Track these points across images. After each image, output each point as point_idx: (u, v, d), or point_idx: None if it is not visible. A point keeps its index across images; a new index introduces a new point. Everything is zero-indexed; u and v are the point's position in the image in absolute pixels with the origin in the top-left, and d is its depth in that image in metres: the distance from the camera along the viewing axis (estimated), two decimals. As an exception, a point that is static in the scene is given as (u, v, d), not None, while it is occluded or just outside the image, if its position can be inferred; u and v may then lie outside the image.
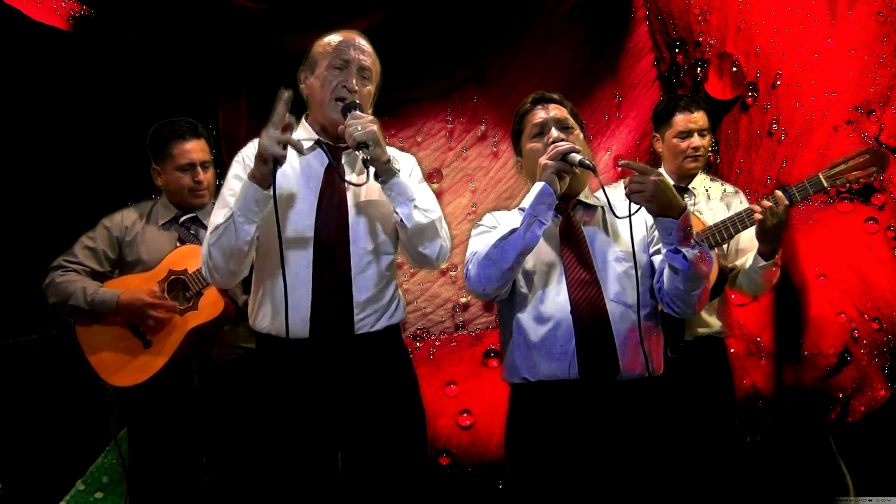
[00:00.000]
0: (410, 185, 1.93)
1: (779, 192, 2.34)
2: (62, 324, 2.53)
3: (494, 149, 3.70)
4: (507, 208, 2.07)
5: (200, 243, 2.47)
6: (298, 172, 1.97)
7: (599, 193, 2.00)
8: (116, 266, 2.56)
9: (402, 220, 1.89)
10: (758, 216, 2.33)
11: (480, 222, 2.05)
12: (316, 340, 1.91)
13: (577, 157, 1.84)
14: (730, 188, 2.73)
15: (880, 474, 3.03)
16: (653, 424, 1.88)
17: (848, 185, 2.44)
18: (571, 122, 1.98)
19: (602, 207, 1.98)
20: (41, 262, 2.53)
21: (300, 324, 1.90)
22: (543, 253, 1.91)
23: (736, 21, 3.33)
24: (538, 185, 1.85)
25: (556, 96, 2.03)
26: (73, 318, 2.47)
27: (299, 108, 2.06)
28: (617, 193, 1.99)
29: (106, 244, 2.53)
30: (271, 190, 1.84)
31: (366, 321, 1.93)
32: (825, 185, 2.39)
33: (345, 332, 1.91)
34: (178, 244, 2.51)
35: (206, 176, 2.53)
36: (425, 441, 2.06)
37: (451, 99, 3.74)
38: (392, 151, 2.04)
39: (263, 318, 1.94)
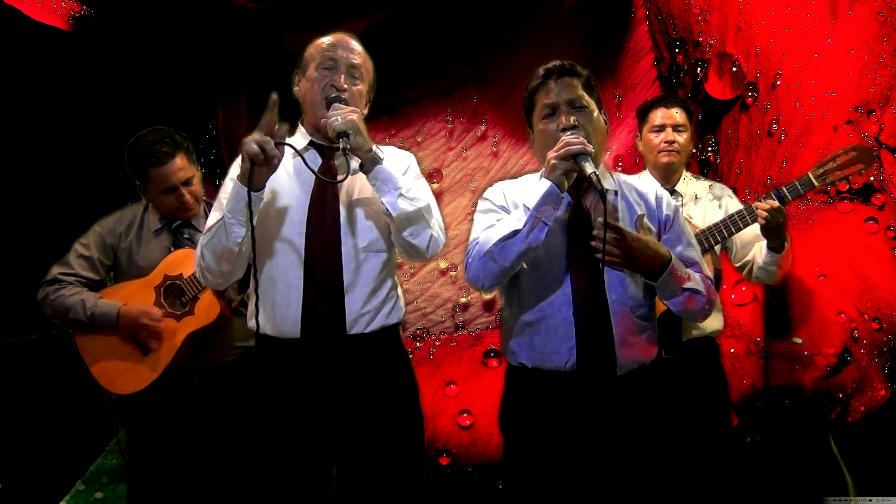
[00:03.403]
0: (397, 175, 1.90)
1: (771, 200, 2.40)
2: (62, 324, 2.53)
3: (494, 149, 3.70)
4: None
5: (194, 247, 2.48)
6: (292, 174, 1.97)
7: (616, 175, 1.99)
8: (111, 270, 2.55)
9: (387, 208, 1.88)
10: (762, 220, 2.39)
11: (486, 196, 2.00)
12: (307, 340, 1.90)
13: (588, 167, 1.76)
14: (713, 184, 2.75)
15: (880, 474, 3.03)
16: (646, 417, 1.88)
17: (837, 182, 2.48)
18: (585, 98, 1.89)
19: (616, 192, 1.95)
20: (42, 262, 2.53)
21: (291, 323, 1.90)
22: (551, 242, 1.85)
23: (736, 21, 3.33)
24: (544, 186, 1.81)
25: (568, 66, 1.92)
26: (72, 329, 2.47)
27: (296, 113, 2.06)
28: (641, 181, 2.02)
29: (100, 251, 2.51)
30: (262, 192, 1.84)
31: (359, 321, 1.92)
32: (815, 184, 2.44)
33: (337, 333, 1.91)
34: (172, 249, 2.49)
35: (191, 190, 2.48)
36: (422, 446, 2.05)
37: (451, 99, 3.74)
38: (390, 149, 2.04)
39: (260, 318, 1.94)
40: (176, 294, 2.43)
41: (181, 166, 2.45)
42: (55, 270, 2.49)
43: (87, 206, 2.77)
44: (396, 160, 2.02)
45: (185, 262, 2.44)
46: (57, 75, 3.34)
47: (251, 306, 1.98)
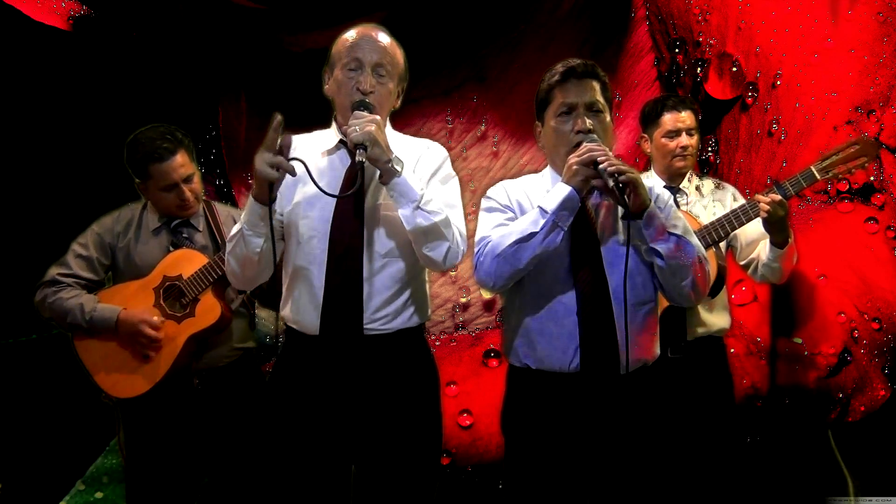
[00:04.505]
0: (416, 186, 1.88)
1: (773, 194, 2.40)
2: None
3: (494, 149, 3.70)
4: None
5: (194, 248, 2.47)
6: (322, 173, 1.96)
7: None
8: (109, 270, 2.53)
9: (403, 221, 1.88)
10: (764, 214, 2.39)
11: (490, 195, 1.99)
12: (325, 338, 1.92)
13: (611, 180, 1.74)
14: (718, 183, 2.77)
15: (880, 474, 3.03)
16: (649, 417, 1.88)
17: (840, 176, 2.48)
18: (601, 102, 1.91)
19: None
20: (41, 263, 2.52)
21: (311, 320, 1.92)
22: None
23: (736, 21, 3.33)
24: (563, 190, 1.79)
25: (590, 67, 1.93)
26: (71, 332, 2.45)
27: (305, 111, 2.06)
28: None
29: (98, 251, 2.48)
30: (276, 205, 1.88)
31: (376, 323, 1.92)
32: (818, 177, 2.45)
33: (353, 332, 1.91)
34: (171, 249, 2.47)
35: (192, 188, 2.46)
36: (438, 450, 2.04)
37: (451, 99, 3.74)
38: (423, 143, 2.05)
39: (286, 311, 1.98)
40: (176, 295, 2.42)
41: (182, 163, 2.43)
42: (53, 271, 2.46)
43: (86, 205, 2.76)
44: (427, 159, 2.02)
45: (184, 263, 2.42)
46: (57, 75, 3.34)
47: (282, 298, 2.01)
